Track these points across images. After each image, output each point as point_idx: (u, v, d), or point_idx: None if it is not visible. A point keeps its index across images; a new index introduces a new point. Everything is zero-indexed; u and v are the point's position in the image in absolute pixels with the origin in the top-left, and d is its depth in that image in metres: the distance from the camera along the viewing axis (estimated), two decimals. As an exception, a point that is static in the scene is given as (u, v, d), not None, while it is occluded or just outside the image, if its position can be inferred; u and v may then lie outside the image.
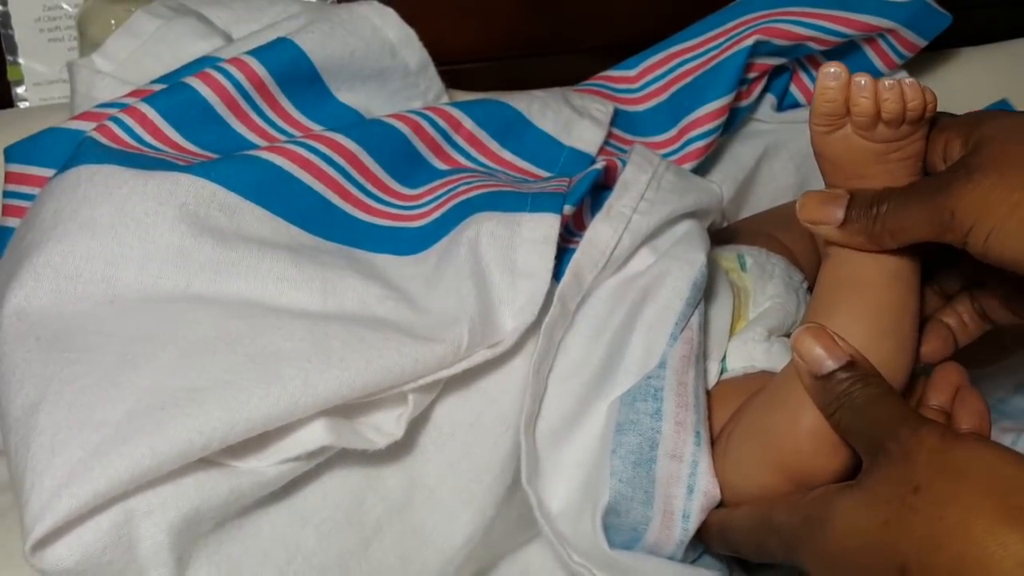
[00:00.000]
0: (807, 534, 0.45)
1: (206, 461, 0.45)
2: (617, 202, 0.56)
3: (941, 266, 0.56)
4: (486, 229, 0.53)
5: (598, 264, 0.54)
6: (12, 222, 0.58)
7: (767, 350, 0.56)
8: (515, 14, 0.86)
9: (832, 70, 0.48)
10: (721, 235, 0.65)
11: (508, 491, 0.52)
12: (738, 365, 0.56)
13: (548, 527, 0.50)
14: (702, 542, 0.53)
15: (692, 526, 0.51)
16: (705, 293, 0.55)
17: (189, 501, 0.44)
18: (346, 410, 0.48)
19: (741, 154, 0.75)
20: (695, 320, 0.54)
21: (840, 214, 0.49)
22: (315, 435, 0.46)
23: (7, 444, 0.45)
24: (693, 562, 0.54)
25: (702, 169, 0.72)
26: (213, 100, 0.58)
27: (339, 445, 0.47)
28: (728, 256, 0.61)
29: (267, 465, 0.46)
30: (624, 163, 0.58)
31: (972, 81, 0.83)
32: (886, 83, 0.47)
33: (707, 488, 0.51)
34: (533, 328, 0.52)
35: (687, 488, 0.51)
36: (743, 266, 0.61)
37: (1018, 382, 0.68)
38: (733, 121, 0.74)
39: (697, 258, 0.54)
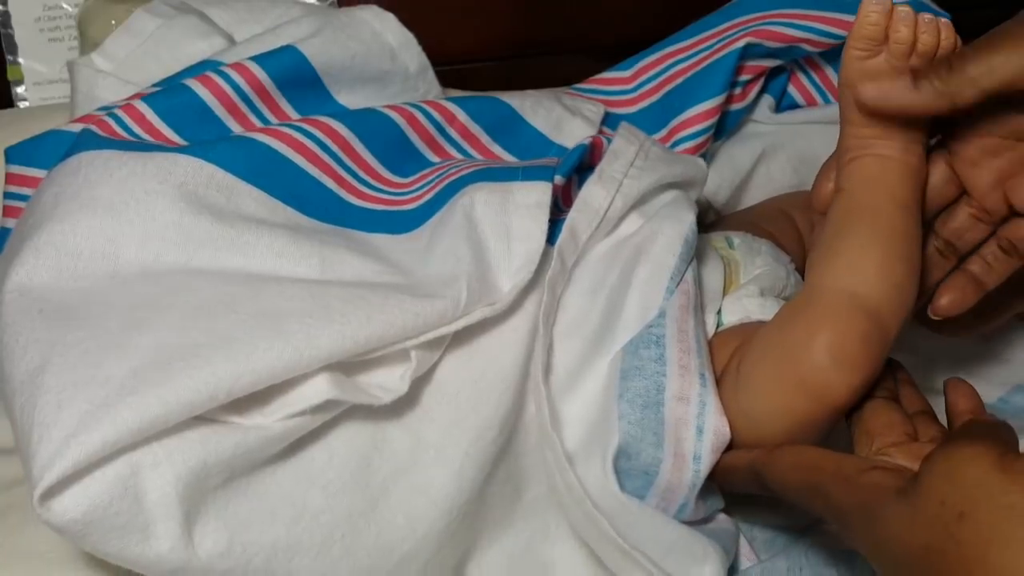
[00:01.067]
0: (860, 522, 0.43)
1: (211, 419, 0.45)
2: (608, 167, 0.57)
3: (963, 220, 0.56)
4: (480, 197, 0.54)
5: (592, 223, 0.56)
6: (12, 223, 0.59)
7: (761, 304, 0.58)
8: (515, 14, 0.86)
9: None
10: (709, 228, 0.66)
11: (502, 452, 0.52)
12: (734, 318, 0.57)
13: (572, 472, 0.50)
14: (723, 480, 0.53)
15: (704, 468, 0.51)
16: (696, 259, 0.57)
17: (195, 454, 0.44)
18: (350, 368, 0.48)
19: (738, 156, 0.75)
20: (689, 275, 0.55)
21: (909, 79, 0.48)
22: (319, 389, 0.46)
23: (11, 409, 0.45)
24: (706, 523, 0.55)
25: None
26: (211, 102, 0.59)
27: (343, 399, 0.47)
28: (716, 237, 0.63)
29: (272, 421, 0.46)
30: (610, 140, 0.60)
31: (972, 81, 0.82)
32: (925, 17, 0.49)
33: (716, 427, 0.51)
34: (531, 289, 0.53)
35: (696, 429, 0.51)
36: (731, 245, 0.62)
37: (1017, 382, 0.68)
38: (729, 124, 0.74)
39: (687, 217, 0.56)
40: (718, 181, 0.73)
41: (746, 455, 0.51)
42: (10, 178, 0.61)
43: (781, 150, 0.75)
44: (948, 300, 0.55)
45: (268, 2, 0.71)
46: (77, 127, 0.59)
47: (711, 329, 0.57)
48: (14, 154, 0.61)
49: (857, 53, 0.51)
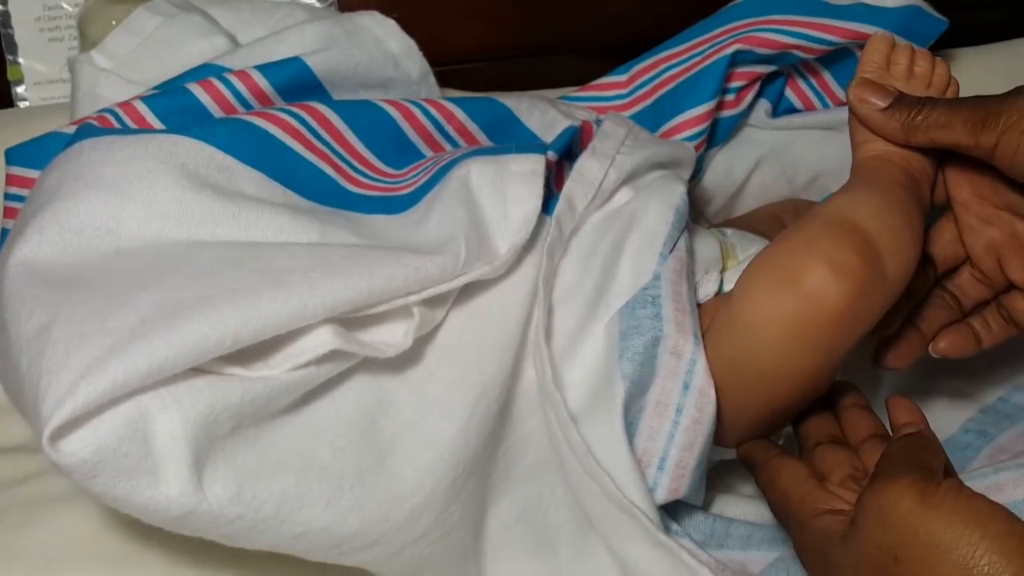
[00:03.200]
0: (815, 563, 0.46)
1: (218, 372, 0.45)
2: (600, 144, 0.59)
3: (966, 280, 0.59)
4: (475, 168, 0.55)
5: (588, 194, 0.57)
6: (12, 224, 0.59)
7: None
8: (515, 15, 0.86)
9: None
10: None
11: (501, 416, 0.53)
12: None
13: (576, 431, 0.51)
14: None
15: (684, 420, 0.52)
16: (687, 239, 0.58)
17: (203, 399, 0.44)
18: (353, 325, 0.49)
19: (733, 165, 0.75)
20: (682, 243, 0.56)
21: (885, 101, 0.54)
22: (323, 339, 0.47)
23: (17, 367, 0.45)
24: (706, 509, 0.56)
25: (694, 179, 0.72)
26: (211, 106, 0.59)
27: (347, 350, 0.47)
28: (709, 230, 0.63)
29: (278, 373, 0.46)
30: (600, 122, 0.61)
31: (972, 82, 0.82)
32: (922, 51, 0.57)
33: (702, 387, 0.52)
34: (529, 252, 0.54)
35: (683, 384, 0.52)
36: (724, 234, 0.63)
37: (1015, 381, 0.68)
38: (724, 130, 0.74)
39: (677, 188, 0.57)
40: (712, 189, 0.73)
41: (750, 445, 0.52)
42: (10, 179, 0.61)
43: (776, 159, 0.75)
44: (947, 344, 0.58)
45: (271, 4, 0.71)
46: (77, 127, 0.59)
47: (714, 287, 0.58)
48: (15, 155, 0.62)
49: (866, 71, 0.56)
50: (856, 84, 0.55)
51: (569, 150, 0.59)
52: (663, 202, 0.56)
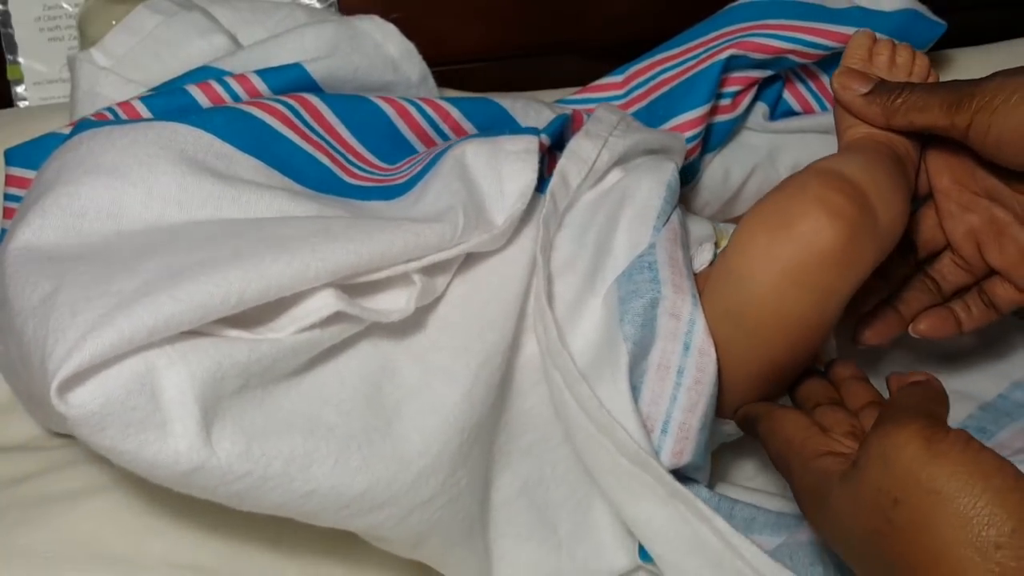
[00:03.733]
0: (812, 505, 0.46)
1: (223, 335, 0.46)
2: (593, 127, 0.60)
3: (947, 265, 0.60)
4: (470, 148, 0.56)
5: (581, 172, 0.58)
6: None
7: None
8: (516, 15, 0.86)
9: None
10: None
11: (502, 388, 0.54)
12: None
13: (587, 386, 0.51)
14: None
15: (686, 381, 0.52)
16: (680, 216, 0.59)
17: (210, 356, 0.45)
18: (356, 292, 0.49)
19: (730, 168, 0.75)
20: (675, 217, 0.57)
21: (866, 87, 0.56)
22: (326, 302, 0.47)
23: (22, 334, 0.46)
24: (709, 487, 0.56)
25: (691, 184, 0.73)
26: (207, 106, 0.60)
27: (350, 312, 0.48)
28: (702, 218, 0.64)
29: (283, 335, 0.47)
30: (589, 115, 0.62)
31: (971, 82, 0.82)
32: (903, 44, 0.60)
33: (703, 346, 0.53)
34: (526, 224, 0.55)
35: (683, 345, 0.53)
36: (716, 226, 0.63)
37: (1014, 378, 0.68)
38: (720, 135, 0.73)
39: (668, 166, 0.58)
40: (708, 194, 0.74)
41: (751, 407, 0.53)
42: (10, 180, 0.62)
43: (772, 163, 0.75)
44: (926, 325, 0.59)
45: (272, 4, 0.71)
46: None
47: (709, 256, 0.58)
48: (14, 156, 0.62)
49: (850, 62, 0.59)
50: (839, 72, 0.57)
51: (560, 139, 0.60)
52: (655, 179, 0.57)
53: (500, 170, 0.55)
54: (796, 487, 0.48)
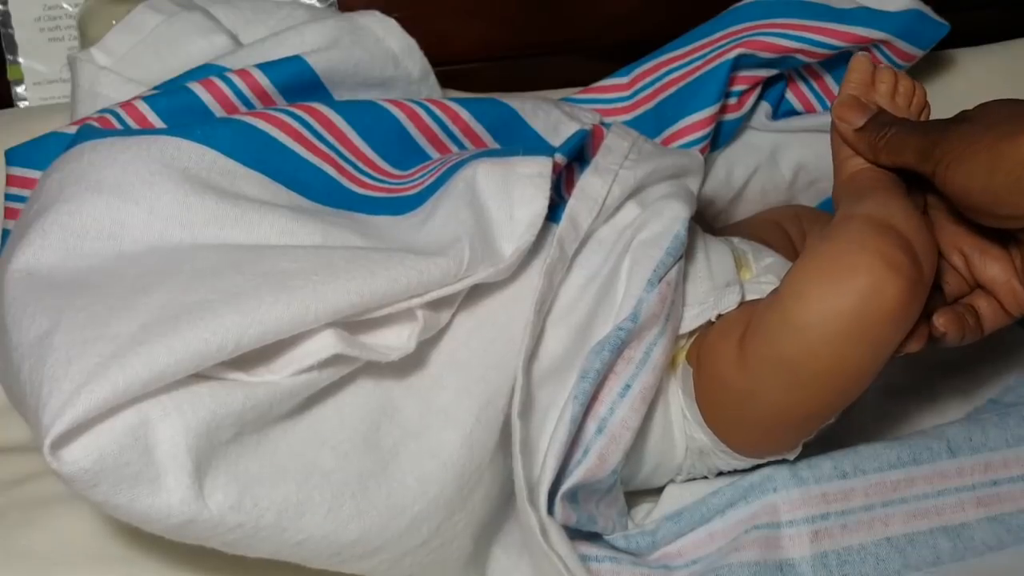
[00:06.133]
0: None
1: (220, 377, 0.45)
2: (603, 160, 0.59)
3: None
4: (482, 169, 0.55)
5: (592, 211, 0.57)
6: (13, 225, 0.59)
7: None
8: (518, 15, 0.86)
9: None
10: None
11: (507, 427, 0.53)
12: (752, 298, 0.58)
13: (519, 463, 0.50)
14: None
15: (589, 459, 0.52)
16: (703, 248, 0.59)
17: (205, 406, 0.44)
18: (357, 328, 0.49)
19: (733, 167, 0.75)
20: (673, 273, 0.56)
21: (861, 121, 0.57)
22: (325, 343, 0.46)
23: (17, 373, 0.45)
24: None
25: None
26: (212, 105, 0.59)
27: (349, 354, 0.47)
28: (719, 239, 0.63)
29: (280, 378, 0.46)
30: (608, 126, 0.61)
31: (972, 82, 0.82)
32: (904, 74, 0.60)
33: (615, 432, 0.53)
34: (536, 257, 0.54)
35: (597, 428, 0.53)
36: (732, 243, 0.62)
37: (1007, 383, 0.68)
38: (725, 134, 0.73)
39: (680, 213, 0.57)
40: (712, 193, 0.73)
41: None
42: (11, 180, 0.61)
43: (775, 162, 0.75)
44: (945, 320, 0.57)
45: (273, 3, 0.71)
46: (78, 129, 0.59)
47: (735, 304, 0.57)
48: (15, 156, 0.61)
49: (850, 88, 0.59)
50: (839, 103, 0.58)
51: (580, 153, 0.59)
52: (661, 226, 0.56)
53: (511, 194, 0.54)
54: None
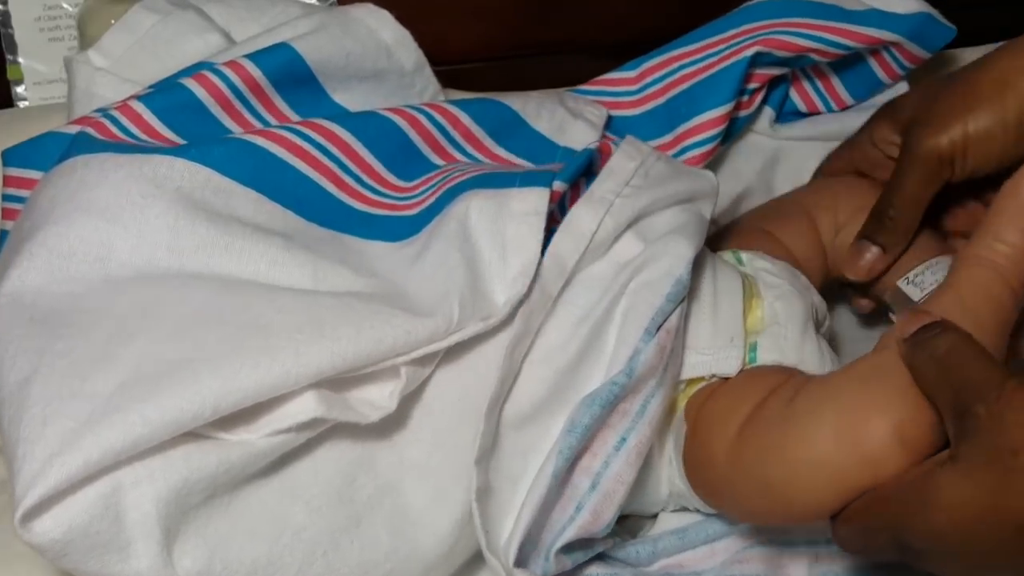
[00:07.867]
0: (909, 519, 0.44)
1: (195, 435, 0.45)
2: (599, 187, 0.56)
3: None
4: (475, 204, 0.53)
5: (579, 248, 0.54)
6: (11, 226, 0.58)
7: (798, 346, 0.56)
8: (517, 14, 0.86)
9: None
10: (715, 237, 0.65)
11: None
12: (769, 357, 0.56)
13: (477, 512, 0.49)
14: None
15: (583, 516, 0.51)
16: (710, 278, 0.56)
17: (178, 472, 0.44)
18: (338, 384, 0.48)
19: (739, 166, 0.74)
20: (674, 320, 0.53)
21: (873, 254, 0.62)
22: (306, 406, 0.46)
23: (1, 419, 0.45)
24: None
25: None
26: (207, 100, 0.59)
27: (330, 417, 0.47)
28: (723, 254, 0.62)
29: (257, 437, 0.46)
30: (617, 143, 0.59)
31: (972, 82, 0.82)
32: None
33: (610, 489, 0.51)
34: (523, 302, 0.52)
35: (591, 484, 0.51)
36: (740, 262, 0.61)
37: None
38: (732, 130, 0.73)
39: (684, 252, 0.53)
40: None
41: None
42: (8, 180, 0.61)
43: (778, 166, 0.75)
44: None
45: (267, 1, 0.71)
46: (75, 129, 0.58)
47: (736, 369, 0.55)
48: (12, 156, 0.61)
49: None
50: (851, 267, 0.62)
51: (590, 167, 0.58)
52: (663, 268, 0.53)
53: (504, 234, 0.52)
54: (886, 523, 0.45)
